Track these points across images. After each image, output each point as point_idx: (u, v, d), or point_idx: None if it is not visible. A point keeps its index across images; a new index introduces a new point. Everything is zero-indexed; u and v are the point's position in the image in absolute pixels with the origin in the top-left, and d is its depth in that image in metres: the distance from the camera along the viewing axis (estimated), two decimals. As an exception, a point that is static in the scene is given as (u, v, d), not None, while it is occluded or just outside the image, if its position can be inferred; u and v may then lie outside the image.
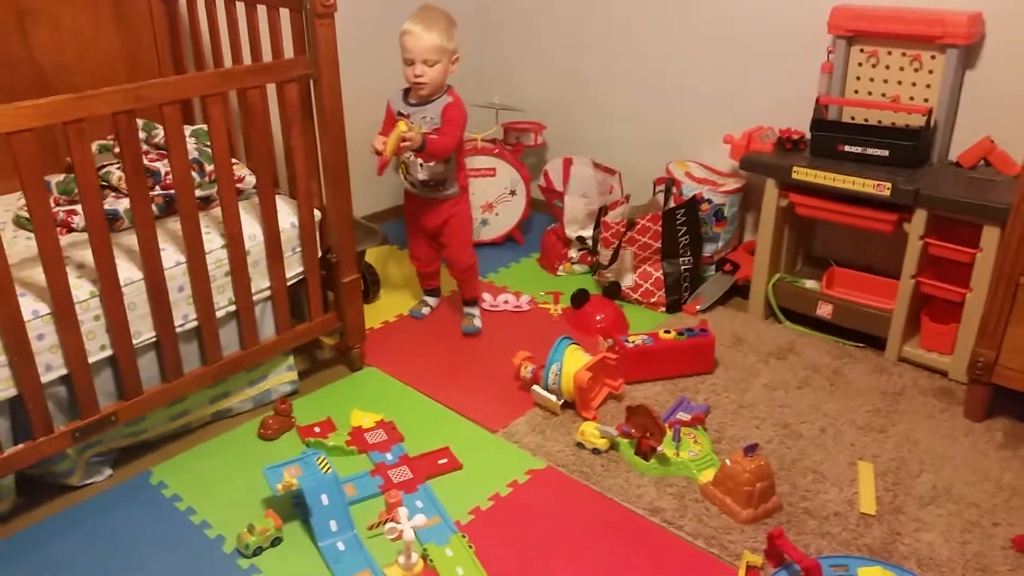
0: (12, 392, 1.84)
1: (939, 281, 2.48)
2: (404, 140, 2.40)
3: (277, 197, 2.33)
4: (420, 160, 2.59)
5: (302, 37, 2.21)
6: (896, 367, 2.59)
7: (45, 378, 1.88)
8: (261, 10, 2.37)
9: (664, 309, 2.95)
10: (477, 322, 2.80)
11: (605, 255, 2.98)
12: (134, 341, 2.03)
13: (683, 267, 2.94)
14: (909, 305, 2.55)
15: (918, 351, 2.58)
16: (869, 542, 1.92)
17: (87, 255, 1.92)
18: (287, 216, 2.33)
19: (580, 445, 2.23)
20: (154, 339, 2.08)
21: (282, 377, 2.44)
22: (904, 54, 2.62)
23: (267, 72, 2.18)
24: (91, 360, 1.95)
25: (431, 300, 2.95)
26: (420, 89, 2.51)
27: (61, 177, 2.34)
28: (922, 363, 2.58)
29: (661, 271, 2.93)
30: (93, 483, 2.10)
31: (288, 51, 2.30)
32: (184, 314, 2.13)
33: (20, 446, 1.88)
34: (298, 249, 2.36)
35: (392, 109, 2.61)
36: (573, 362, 2.34)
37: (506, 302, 2.97)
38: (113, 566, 1.85)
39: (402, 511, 1.83)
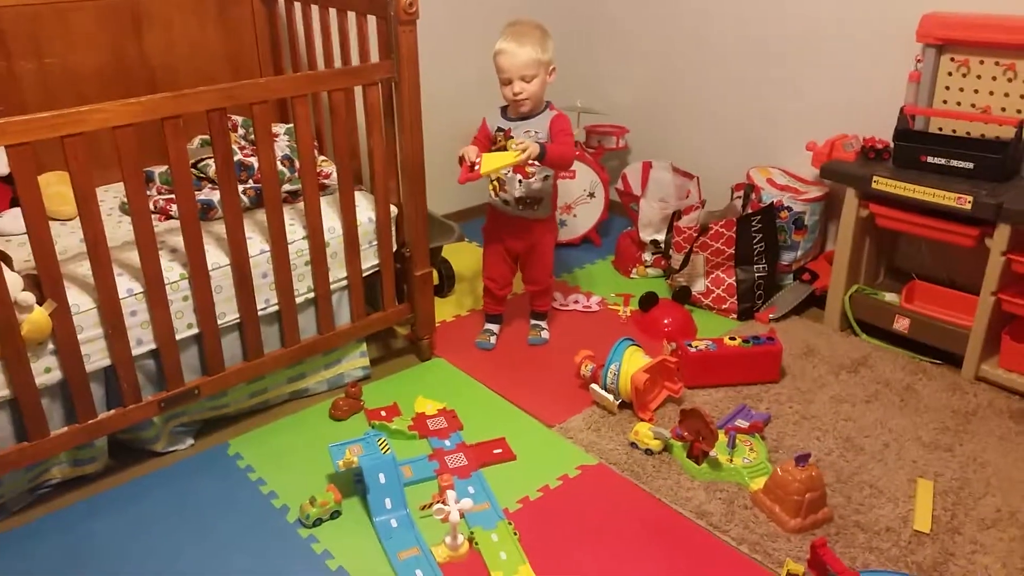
0: (107, 362, 2.03)
1: (1022, 299, 2.39)
2: (515, 163, 2.38)
3: (358, 193, 2.46)
4: (520, 176, 2.56)
5: (387, 42, 2.33)
6: (972, 386, 2.51)
7: (136, 351, 2.06)
8: (351, 16, 2.50)
9: (735, 316, 2.94)
10: (545, 334, 2.82)
11: (677, 259, 2.99)
12: (219, 321, 2.19)
13: (757, 274, 2.92)
14: (989, 323, 2.46)
15: (997, 371, 2.49)
16: (919, 560, 1.88)
17: (180, 240, 2.09)
18: (365, 211, 2.45)
19: (633, 445, 2.27)
20: (237, 320, 2.24)
21: (355, 362, 2.57)
22: (997, 63, 2.53)
23: (351, 75, 2.31)
24: (178, 337, 2.13)
25: (495, 327, 2.85)
26: (521, 106, 2.50)
27: (164, 168, 2.54)
28: (1000, 383, 2.48)
29: (734, 277, 2.92)
30: (175, 451, 2.28)
31: (374, 55, 2.42)
32: (266, 299, 2.28)
33: (112, 412, 2.08)
34: (374, 242, 2.48)
35: (488, 127, 2.58)
36: (632, 363, 2.37)
37: (576, 302, 3.03)
38: (187, 526, 2.02)
39: (451, 494, 1.93)
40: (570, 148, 2.52)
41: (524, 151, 2.37)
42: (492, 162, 2.40)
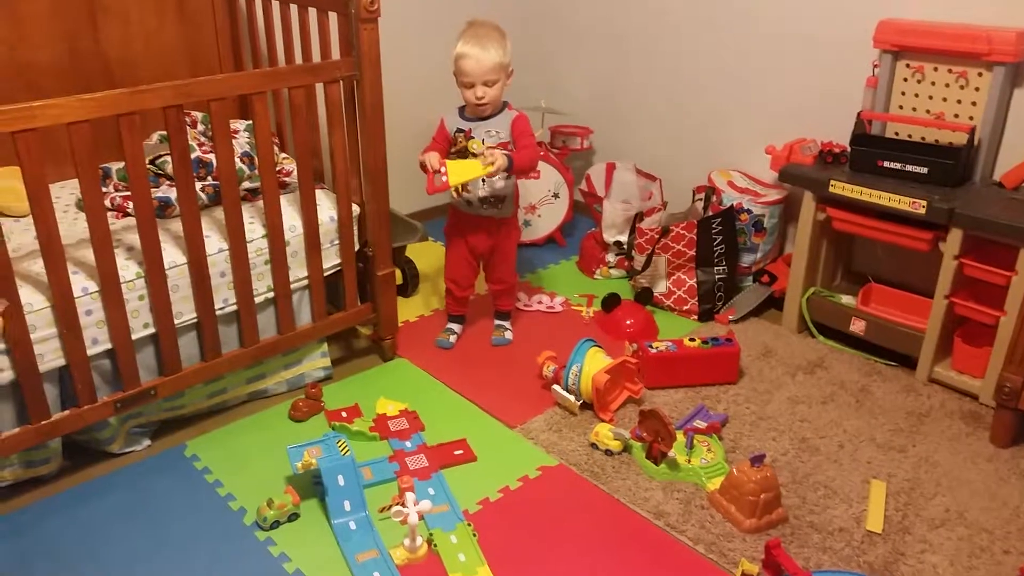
0: (61, 362, 1.99)
1: (974, 302, 2.44)
2: (483, 175, 2.40)
3: (320, 191, 2.44)
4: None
5: (348, 40, 2.31)
6: (926, 388, 2.56)
7: (91, 351, 2.03)
8: (313, 12, 2.48)
9: (696, 317, 2.97)
10: (508, 335, 2.82)
11: (639, 261, 3.01)
12: (176, 321, 2.16)
13: (717, 276, 2.95)
14: (942, 325, 2.51)
15: (950, 373, 2.55)
16: (871, 560, 1.92)
17: (137, 238, 2.06)
18: (327, 210, 2.43)
19: (594, 446, 2.28)
20: (195, 320, 2.21)
21: (316, 363, 2.55)
22: (950, 70, 2.58)
23: (311, 72, 2.29)
24: (134, 336, 2.10)
25: (456, 327, 2.83)
26: (483, 110, 2.50)
27: (122, 164, 2.50)
28: (953, 385, 2.54)
29: (695, 279, 2.95)
30: (132, 452, 2.25)
31: (336, 53, 2.40)
32: (224, 298, 2.26)
33: (66, 412, 2.04)
34: (336, 241, 2.46)
35: (447, 127, 2.57)
36: (593, 364, 2.39)
37: (540, 302, 3.03)
38: (143, 528, 1.99)
39: (410, 496, 1.92)
40: (534, 152, 2.53)
41: (493, 164, 2.38)
42: (461, 173, 2.40)
